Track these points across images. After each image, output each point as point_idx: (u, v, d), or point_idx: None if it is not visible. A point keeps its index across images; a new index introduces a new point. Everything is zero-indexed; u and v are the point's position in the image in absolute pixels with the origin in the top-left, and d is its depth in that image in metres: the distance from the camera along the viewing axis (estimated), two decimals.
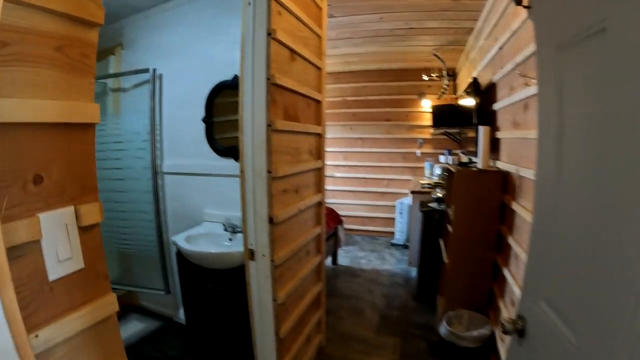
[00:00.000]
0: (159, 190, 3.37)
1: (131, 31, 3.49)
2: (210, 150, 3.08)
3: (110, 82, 3.64)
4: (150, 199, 3.32)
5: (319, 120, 2.78)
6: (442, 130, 5.55)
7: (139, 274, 3.60)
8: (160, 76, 3.32)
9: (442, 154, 5.84)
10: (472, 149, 3.52)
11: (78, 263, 1.04)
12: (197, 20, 3.06)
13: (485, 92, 3.22)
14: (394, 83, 6.50)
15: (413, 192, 4.64)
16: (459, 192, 2.68)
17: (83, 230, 1.08)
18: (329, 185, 6.57)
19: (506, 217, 2.51)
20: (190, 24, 3.11)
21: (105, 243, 3.22)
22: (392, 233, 6.30)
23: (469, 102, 3.49)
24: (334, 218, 4.79)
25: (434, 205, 3.91)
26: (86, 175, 1.10)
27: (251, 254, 2.15)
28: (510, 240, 2.30)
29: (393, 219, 6.33)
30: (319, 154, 2.81)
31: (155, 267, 3.40)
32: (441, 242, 3.48)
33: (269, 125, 2.00)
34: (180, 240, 2.81)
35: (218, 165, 3.04)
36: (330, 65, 6.14)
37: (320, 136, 2.81)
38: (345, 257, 5.49)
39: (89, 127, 1.09)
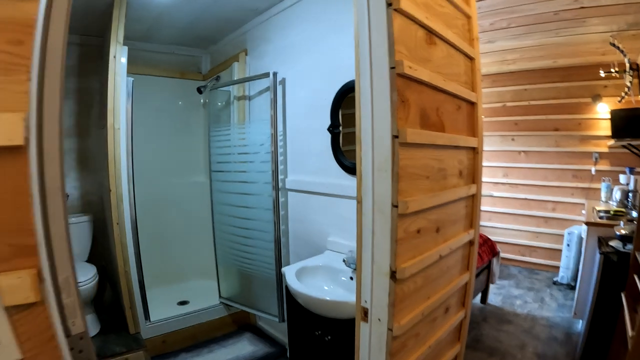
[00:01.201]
0: (279, 208, 3.02)
1: (254, 35, 3.35)
2: (337, 165, 2.57)
3: (235, 90, 3.47)
4: (270, 218, 3.00)
5: (473, 128, 2.03)
6: (623, 143, 4.31)
7: (256, 295, 3.31)
8: (283, 81, 3.00)
9: (623, 172, 4.56)
10: None
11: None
12: (321, 16, 2.64)
13: None
14: (561, 84, 5.32)
15: (588, 224, 3.54)
16: None
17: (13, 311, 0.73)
18: (485, 206, 5.80)
19: None
20: (313, 21, 2.72)
21: (227, 258, 3.18)
22: (556, 268, 5.13)
23: None
24: (489, 249, 3.93)
25: (616, 244, 2.84)
26: (14, 225, 0.57)
27: (364, 314, 1.52)
28: None
29: (558, 250, 5.15)
30: (474, 175, 2.04)
31: (272, 291, 3.08)
32: (624, 299, 2.45)
33: (395, 137, 1.35)
34: (290, 273, 2.33)
35: (345, 184, 2.51)
36: (485, 65, 5.33)
37: (475, 151, 2.04)
38: (497, 294, 4.55)
39: (15, 151, 0.56)
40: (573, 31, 3.94)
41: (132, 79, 3.02)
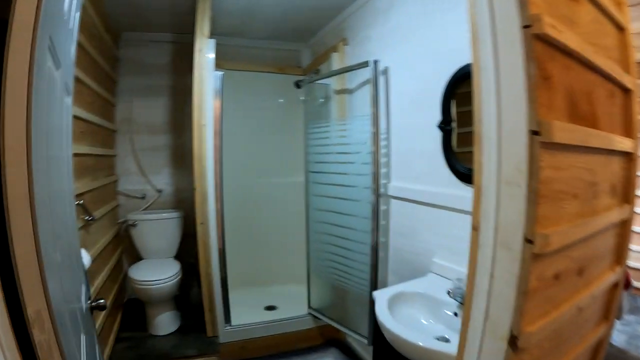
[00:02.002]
0: (379, 217, 2.57)
1: (353, 22, 3.01)
2: (448, 171, 2.03)
3: (334, 83, 3.13)
4: (368, 228, 2.57)
5: (627, 126, 1.45)
6: None
7: (346, 310, 2.96)
8: (386, 70, 2.56)
9: None
10: None
11: None
12: None
13: None
14: None
15: None
16: None
17: None
18: None
19: None
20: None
21: (320, 267, 3.09)
22: None
23: None
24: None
25: None
26: None
27: None
28: None
29: None
30: (628, 192, 1.47)
31: (364, 310, 2.65)
32: None
33: (534, 133, 0.86)
34: (382, 299, 1.86)
35: (457, 195, 1.96)
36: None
37: (630, 158, 1.47)
38: (621, 331, 3.73)
39: None
40: None
41: (222, 73, 2.84)
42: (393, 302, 1.86)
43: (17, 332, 0.74)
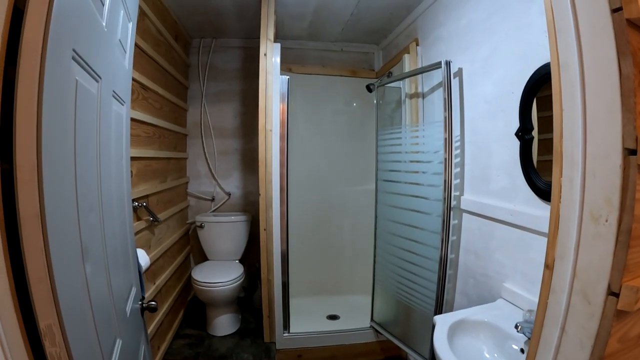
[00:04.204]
0: (449, 233, 2.32)
1: (425, 21, 2.78)
2: (527, 186, 1.76)
3: (406, 87, 2.94)
4: (437, 243, 2.33)
5: None
6: None
7: (409, 328, 2.75)
8: (460, 72, 2.31)
9: None
10: None
11: None
12: None
13: None
14: None
15: None
16: None
17: None
18: None
19: None
20: None
21: (385, 280, 2.95)
22: None
23: None
24: None
25: None
26: None
27: None
28: None
29: None
30: None
31: (427, 329, 2.44)
32: None
33: (631, 153, 0.64)
34: (443, 326, 1.67)
35: (537, 215, 1.68)
36: None
37: None
38: None
39: None
40: None
41: (288, 77, 2.74)
42: (455, 329, 1.66)
43: (32, 342, 0.76)
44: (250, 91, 3.60)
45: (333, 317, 3.37)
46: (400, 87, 3.04)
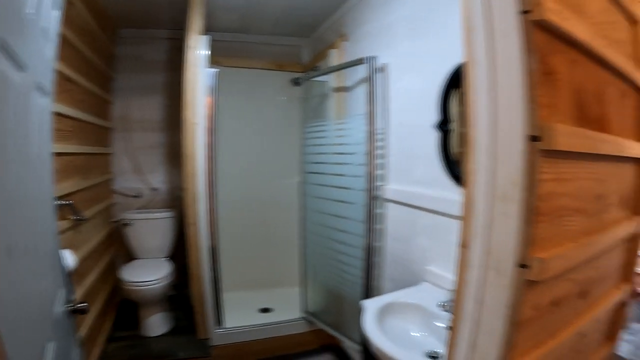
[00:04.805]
0: (373, 221, 2.44)
1: (352, 17, 2.83)
2: (446, 174, 1.87)
3: (332, 81, 3.00)
4: (363, 231, 2.45)
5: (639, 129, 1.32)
6: None
7: (341, 316, 2.83)
8: (385, 67, 2.40)
9: None
10: None
11: None
12: None
13: None
14: None
15: None
16: None
17: None
18: None
19: None
20: None
21: (316, 270, 3.00)
22: None
23: None
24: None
25: None
26: None
27: None
28: None
29: None
30: (637, 203, 1.33)
31: (357, 317, 2.47)
32: None
33: (533, 139, 0.72)
34: (371, 310, 1.73)
35: (456, 200, 1.72)
36: None
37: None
38: (628, 342, 3.59)
39: None
40: None
41: (215, 70, 2.68)
42: (383, 312, 1.74)
43: None
44: (178, 84, 3.48)
45: (266, 310, 3.39)
46: (327, 81, 3.06)
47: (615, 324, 1.41)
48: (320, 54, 3.28)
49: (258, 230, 3.85)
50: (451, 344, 0.91)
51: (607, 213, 1.06)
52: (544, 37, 0.77)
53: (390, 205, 2.40)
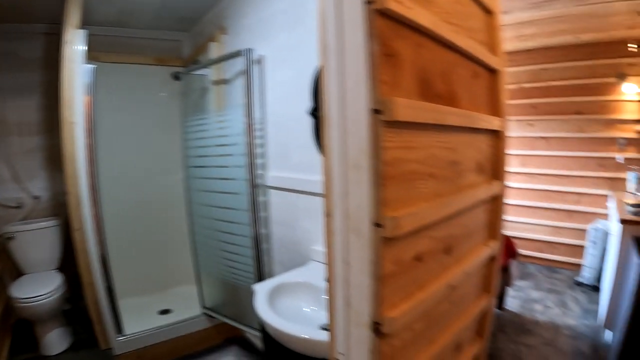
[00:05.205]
0: (258, 209, 2.55)
1: (232, 10, 2.87)
2: (320, 157, 1.97)
3: (212, 74, 3.02)
4: (248, 220, 2.55)
5: (495, 105, 1.49)
6: None
7: (240, 306, 2.89)
8: (262, 59, 2.49)
9: None
10: None
11: None
12: None
13: None
14: (583, 62, 4.68)
15: (624, 222, 2.98)
16: None
17: None
18: None
19: None
20: None
21: (209, 264, 3.03)
22: (579, 266, 4.55)
23: None
24: (507, 251, 3.39)
25: None
26: None
27: None
28: None
29: (581, 247, 4.60)
30: (496, 169, 1.51)
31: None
32: None
33: (376, 112, 0.82)
34: (262, 292, 1.83)
35: None
36: None
37: (498, 136, 1.50)
38: (514, 297, 4.01)
39: None
40: None
41: (95, 66, 2.57)
42: (275, 294, 1.86)
43: None
44: (56, 82, 3.30)
45: (166, 312, 3.36)
46: (207, 75, 3.13)
47: (488, 278, 1.59)
48: (201, 48, 3.29)
49: (148, 231, 3.76)
50: (330, 307, 1.00)
51: (463, 177, 1.21)
52: (386, 24, 0.87)
53: (273, 192, 2.54)
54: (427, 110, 0.97)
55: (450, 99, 1.13)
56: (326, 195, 0.93)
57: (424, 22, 0.98)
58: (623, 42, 4.05)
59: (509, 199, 5.27)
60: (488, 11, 1.49)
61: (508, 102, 4.97)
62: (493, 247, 1.52)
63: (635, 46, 3.80)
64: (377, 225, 0.84)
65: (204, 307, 3.11)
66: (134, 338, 2.75)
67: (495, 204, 1.52)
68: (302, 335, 1.50)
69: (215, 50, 2.96)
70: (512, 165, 5.27)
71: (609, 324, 3.07)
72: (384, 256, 0.87)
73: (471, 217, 1.32)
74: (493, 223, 1.53)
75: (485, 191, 1.36)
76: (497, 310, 3.67)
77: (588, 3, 3.48)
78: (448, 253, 1.17)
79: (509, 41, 4.81)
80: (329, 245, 0.95)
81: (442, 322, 1.26)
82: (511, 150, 5.22)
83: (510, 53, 5.13)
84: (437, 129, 1.04)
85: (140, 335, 2.78)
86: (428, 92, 1.02)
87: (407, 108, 0.88)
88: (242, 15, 2.69)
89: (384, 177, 0.84)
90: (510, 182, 5.26)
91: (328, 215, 0.93)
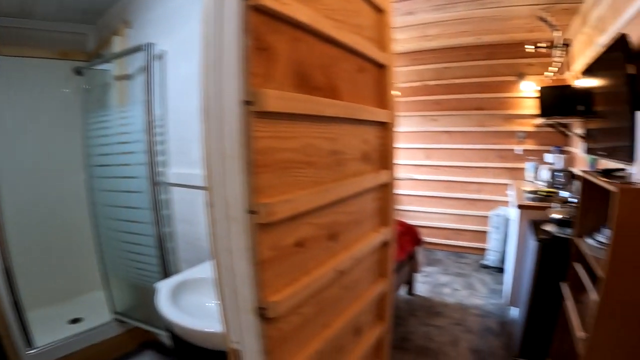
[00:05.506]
0: (160, 207, 2.51)
1: (137, 3, 2.77)
2: None
3: (115, 69, 2.91)
4: (152, 219, 2.51)
5: (383, 98, 1.57)
6: (552, 121, 4.16)
7: (150, 308, 2.77)
8: (163, 54, 2.44)
9: (548, 151, 4.50)
10: (605, 145, 2.38)
11: None
12: None
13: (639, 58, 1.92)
14: (485, 62, 5.10)
15: (521, 207, 3.27)
16: (624, 225, 1.41)
17: None
18: (407, 190, 5.64)
19: None
20: None
21: (116, 267, 2.89)
22: (483, 250, 4.98)
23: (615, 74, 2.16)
24: (412, 239, 3.58)
25: (552, 229, 2.58)
26: None
27: (237, 357, 1.03)
28: None
29: (485, 232, 5.01)
30: (385, 158, 1.60)
31: None
32: (566, 289, 2.22)
33: (247, 103, 0.85)
34: (164, 290, 1.83)
35: None
36: (404, 42, 5.09)
37: (386, 127, 1.59)
38: (424, 282, 4.25)
39: None
40: (499, 2, 3.66)
41: None
42: (178, 291, 1.86)
43: None
44: None
45: (76, 320, 3.19)
46: (109, 70, 2.99)
47: (383, 263, 1.67)
48: (105, 42, 3.15)
49: (54, 237, 3.53)
50: (221, 296, 1.01)
51: (346, 166, 1.27)
52: (261, 19, 0.90)
53: (175, 189, 2.51)
54: (302, 101, 1.02)
55: (331, 92, 1.18)
56: (208, 186, 0.94)
57: (301, 18, 1.02)
58: (522, 44, 4.38)
59: (416, 190, 5.62)
60: (379, 10, 1.56)
61: (413, 98, 5.25)
62: (385, 234, 1.60)
63: (533, 47, 4.14)
64: (252, 212, 0.87)
65: (115, 313, 2.98)
66: (45, 350, 2.60)
67: (385, 192, 1.60)
68: (205, 330, 1.51)
69: (119, 45, 2.84)
70: (416, 159, 5.58)
71: (513, 301, 3.36)
72: (261, 242, 0.90)
73: (358, 205, 1.39)
74: (384, 210, 1.61)
75: (372, 180, 1.44)
76: (408, 296, 3.86)
77: (490, 7, 3.75)
78: (333, 239, 1.23)
79: (414, 41, 5.07)
80: (213, 234, 0.96)
81: (336, 307, 1.31)
82: (415, 144, 5.55)
83: (415, 52, 5.43)
84: (315, 120, 1.09)
85: (51, 347, 2.63)
86: (306, 84, 1.06)
87: (279, 99, 0.91)
88: (147, 8, 2.62)
89: (256, 166, 0.87)
90: (416, 174, 5.58)
91: (211, 205, 0.95)
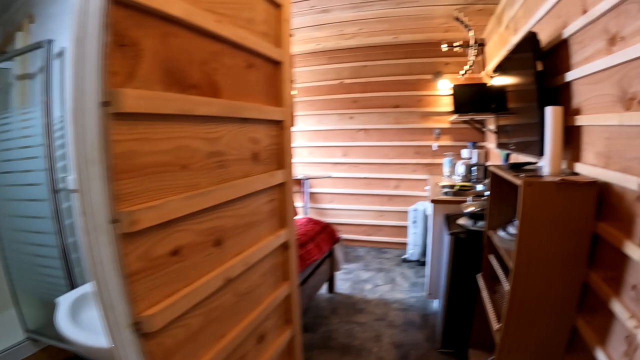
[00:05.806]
0: (62, 216, 2.35)
1: None
2: None
3: (17, 67, 2.71)
4: (52, 228, 2.35)
5: (277, 96, 1.55)
6: (467, 118, 4.33)
7: None
8: (63, 52, 2.32)
9: (464, 147, 4.67)
10: (517, 140, 2.44)
11: None
12: None
13: (547, 56, 2.07)
14: (402, 61, 5.22)
15: (434, 202, 3.38)
16: (529, 217, 1.49)
17: None
18: (325, 188, 5.65)
19: (601, 259, 1.44)
20: None
21: (25, 281, 2.66)
22: (404, 245, 5.09)
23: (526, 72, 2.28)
24: (328, 237, 3.58)
25: (465, 222, 2.68)
26: None
27: None
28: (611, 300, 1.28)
29: (404, 227, 5.13)
30: (281, 158, 1.57)
31: None
32: (481, 281, 2.32)
33: (104, 104, 0.79)
34: (64, 305, 1.71)
35: None
36: (321, 40, 5.09)
37: (281, 126, 1.56)
38: (345, 279, 4.28)
39: None
40: (416, 2, 3.76)
41: None
42: (79, 304, 1.73)
43: None
44: None
45: None
46: (10, 69, 2.78)
47: (285, 266, 1.65)
48: (8, 38, 2.92)
49: None
50: (102, 312, 0.93)
51: (228, 168, 1.22)
52: (124, 13, 0.85)
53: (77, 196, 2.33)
54: (170, 100, 0.96)
55: (211, 89, 1.14)
56: (79, 193, 0.86)
57: (173, 12, 0.97)
58: (439, 43, 4.54)
59: (335, 188, 5.65)
60: (275, 4, 1.54)
61: (330, 97, 5.26)
62: (284, 235, 1.57)
63: (446, 46, 4.31)
64: (114, 221, 0.81)
65: (27, 331, 2.74)
66: None
67: (282, 193, 1.58)
68: (101, 346, 1.41)
69: (21, 41, 2.63)
70: (334, 157, 5.62)
71: (434, 293, 3.44)
72: (127, 253, 0.85)
73: (249, 207, 1.35)
74: (282, 212, 1.58)
75: (265, 181, 1.41)
76: (329, 294, 3.87)
77: (407, 6, 3.83)
78: (219, 245, 1.18)
79: (331, 39, 5.09)
80: (86, 245, 0.88)
81: (232, 316, 1.27)
82: (332, 142, 5.59)
83: (332, 50, 5.44)
84: (190, 120, 1.04)
85: None
86: (179, 82, 1.01)
87: (140, 99, 0.86)
88: (51, 2, 2.44)
89: (116, 172, 0.81)
90: (334, 172, 5.60)
91: (83, 214, 0.86)
